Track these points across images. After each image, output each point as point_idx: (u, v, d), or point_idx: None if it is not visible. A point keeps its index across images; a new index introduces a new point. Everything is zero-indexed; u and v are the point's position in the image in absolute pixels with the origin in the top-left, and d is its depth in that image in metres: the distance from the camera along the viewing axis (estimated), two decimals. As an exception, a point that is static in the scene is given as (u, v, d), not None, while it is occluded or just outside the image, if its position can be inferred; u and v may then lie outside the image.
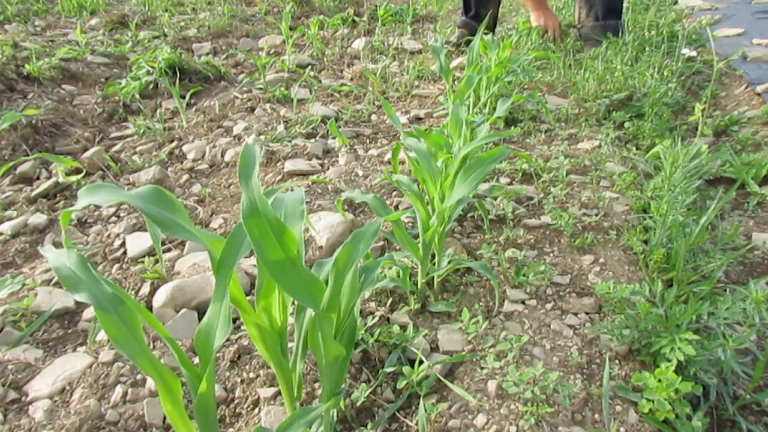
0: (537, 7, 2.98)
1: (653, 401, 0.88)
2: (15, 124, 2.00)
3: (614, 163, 1.70)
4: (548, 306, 1.14)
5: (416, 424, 0.89)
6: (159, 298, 1.21)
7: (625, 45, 2.59)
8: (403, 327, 1.08)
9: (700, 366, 0.95)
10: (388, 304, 1.16)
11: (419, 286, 1.17)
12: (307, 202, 1.54)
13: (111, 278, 1.35)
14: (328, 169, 1.78)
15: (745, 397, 0.97)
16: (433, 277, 1.19)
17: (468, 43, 2.83)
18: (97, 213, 1.64)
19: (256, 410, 0.96)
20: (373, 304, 1.17)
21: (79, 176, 1.80)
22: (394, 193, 1.59)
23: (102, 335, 1.15)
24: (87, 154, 1.93)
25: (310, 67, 2.83)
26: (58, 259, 0.66)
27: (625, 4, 2.92)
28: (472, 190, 1.14)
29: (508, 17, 3.81)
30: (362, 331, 1.07)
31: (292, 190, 0.82)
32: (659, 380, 0.88)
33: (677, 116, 2.14)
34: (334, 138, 1.99)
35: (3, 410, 0.99)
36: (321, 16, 3.77)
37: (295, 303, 0.82)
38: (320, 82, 2.60)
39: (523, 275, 1.21)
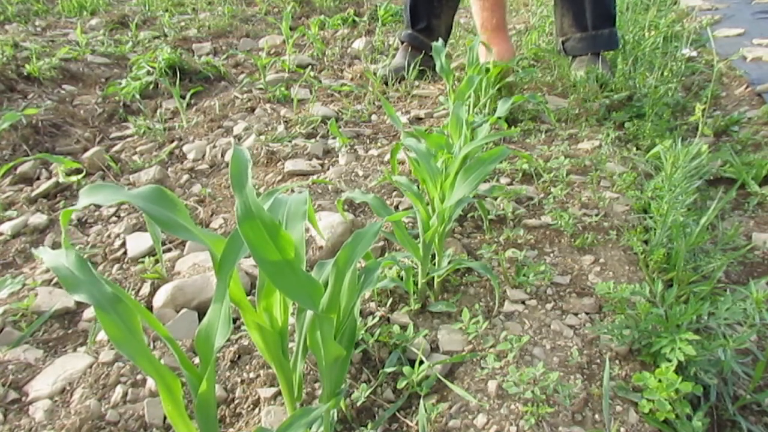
0: (490, 35, 2.11)
1: (653, 401, 0.88)
2: (15, 124, 2.00)
3: (614, 163, 1.70)
4: (548, 306, 1.14)
5: (416, 424, 0.89)
6: (159, 299, 1.21)
7: (625, 45, 2.59)
8: (404, 327, 1.08)
9: (700, 366, 0.95)
10: (388, 304, 1.17)
11: (419, 286, 1.17)
12: (307, 202, 1.54)
13: (111, 278, 1.35)
14: (328, 169, 1.78)
15: (746, 397, 0.97)
16: (433, 278, 1.19)
17: (422, 72, 2.52)
18: (97, 213, 1.64)
19: (257, 410, 0.96)
20: (373, 305, 1.17)
21: (80, 176, 1.80)
22: (394, 193, 1.59)
23: (102, 335, 1.15)
24: (87, 154, 1.93)
25: (310, 67, 2.83)
26: (55, 259, 0.66)
27: (617, 7, 2.48)
28: (473, 191, 1.14)
29: (508, 17, 3.81)
30: (362, 332, 1.07)
31: (292, 191, 0.83)
32: (659, 380, 0.88)
33: (677, 116, 2.14)
34: (334, 138, 1.99)
35: (3, 410, 0.99)
36: (321, 16, 3.77)
37: (296, 303, 0.82)
38: (320, 82, 2.60)
39: (524, 275, 1.21)
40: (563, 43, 2.48)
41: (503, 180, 1.64)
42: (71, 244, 0.67)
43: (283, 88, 2.43)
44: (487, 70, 1.99)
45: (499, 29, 2.13)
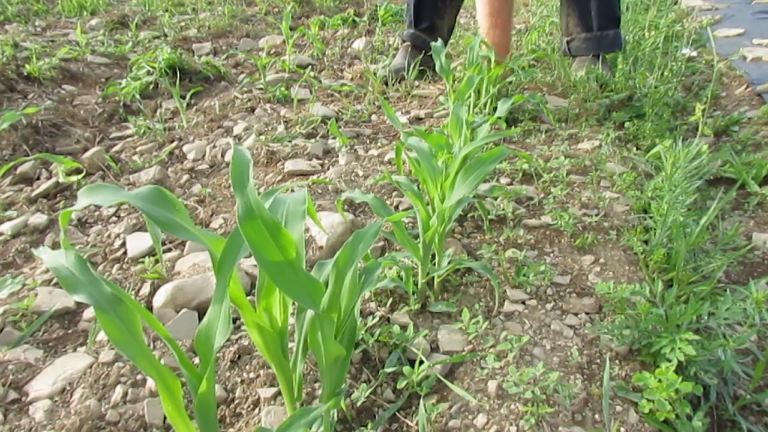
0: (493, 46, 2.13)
1: (653, 401, 0.88)
2: (15, 124, 2.00)
3: (614, 163, 1.70)
4: (548, 306, 1.14)
5: (416, 424, 0.89)
6: (159, 299, 1.21)
7: (625, 45, 2.59)
8: (404, 327, 1.08)
9: (700, 366, 0.95)
10: (389, 304, 1.17)
11: (419, 286, 1.17)
12: (307, 202, 1.54)
13: (111, 278, 1.35)
14: (328, 169, 1.78)
15: (746, 397, 0.97)
16: (433, 278, 1.19)
17: (422, 72, 2.52)
18: (97, 213, 1.64)
19: (257, 410, 0.96)
20: (373, 305, 1.17)
21: (80, 176, 1.80)
22: (395, 193, 1.59)
23: (102, 335, 1.15)
24: (87, 154, 1.93)
25: (310, 67, 2.83)
26: (55, 260, 0.66)
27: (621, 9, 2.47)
28: (473, 191, 1.14)
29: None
30: (362, 332, 1.07)
31: (292, 190, 0.83)
32: (659, 380, 0.88)
33: (677, 116, 2.14)
34: (334, 138, 1.99)
35: (3, 410, 0.99)
36: (321, 16, 3.77)
37: (296, 303, 0.82)
38: (320, 82, 2.60)
39: (524, 275, 1.21)
40: (568, 43, 2.47)
41: (503, 180, 1.64)
42: (71, 245, 0.67)
43: (283, 88, 2.43)
44: (489, 61, 1.98)
45: (503, 47, 2.15)
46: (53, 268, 0.65)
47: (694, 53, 2.55)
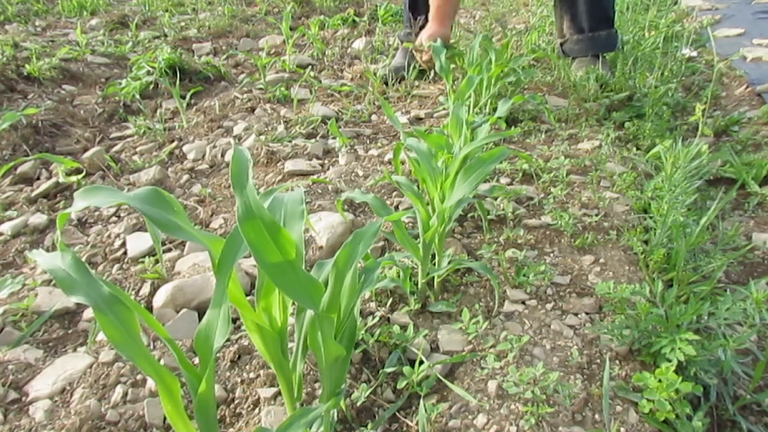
0: (435, 17, 2.25)
1: (654, 401, 0.88)
2: (15, 124, 2.00)
3: (614, 163, 1.70)
4: (548, 306, 1.14)
5: (416, 424, 0.89)
6: (159, 299, 1.21)
7: (624, 45, 2.59)
8: (404, 327, 1.08)
9: (700, 366, 0.95)
10: (389, 304, 1.16)
11: (419, 286, 1.17)
12: (307, 202, 1.54)
13: (111, 278, 1.35)
14: (328, 169, 1.78)
15: (746, 398, 0.97)
16: (433, 278, 1.19)
17: (422, 72, 2.51)
18: (97, 213, 1.64)
19: (257, 410, 0.96)
20: (373, 305, 1.17)
21: (80, 176, 1.80)
22: (394, 193, 1.59)
23: (102, 335, 1.15)
24: (87, 154, 1.93)
25: (310, 67, 2.83)
26: (51, 261, 0.65)
27: (617, 8, 2.48)
28: (473, 191, 1.14)
29: (508, 17, 3.81)
30: (362, 332, 1.07)
31: (292, 190, 0.83)
32: (659, 380, 0.88)
33: (677, 116, 2.14)
34: (334, 138, 1.99)
35: (3, 410, 0.99)
36: (321, 16, 3.77)
37: (296, 303, 0.82)
38: (320, 82, 2.60)
39: (524, 275, 1.21)
40: (562, 45, 2.49)
41: (503, 180, 1.64)
42: (70, 245, 0.67)
43: (283, 88, 2.43)
44: (488, 69, 1.99)
45: (445, 16, 2.26)
46: (50, 269, 0.64)
47: (694, 53, 2.55)
